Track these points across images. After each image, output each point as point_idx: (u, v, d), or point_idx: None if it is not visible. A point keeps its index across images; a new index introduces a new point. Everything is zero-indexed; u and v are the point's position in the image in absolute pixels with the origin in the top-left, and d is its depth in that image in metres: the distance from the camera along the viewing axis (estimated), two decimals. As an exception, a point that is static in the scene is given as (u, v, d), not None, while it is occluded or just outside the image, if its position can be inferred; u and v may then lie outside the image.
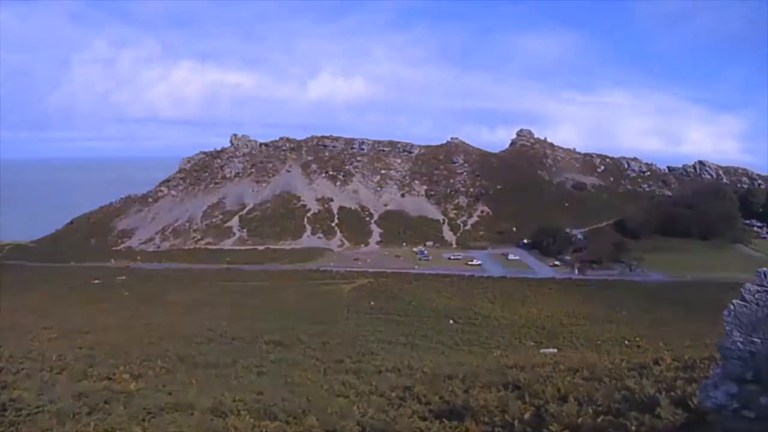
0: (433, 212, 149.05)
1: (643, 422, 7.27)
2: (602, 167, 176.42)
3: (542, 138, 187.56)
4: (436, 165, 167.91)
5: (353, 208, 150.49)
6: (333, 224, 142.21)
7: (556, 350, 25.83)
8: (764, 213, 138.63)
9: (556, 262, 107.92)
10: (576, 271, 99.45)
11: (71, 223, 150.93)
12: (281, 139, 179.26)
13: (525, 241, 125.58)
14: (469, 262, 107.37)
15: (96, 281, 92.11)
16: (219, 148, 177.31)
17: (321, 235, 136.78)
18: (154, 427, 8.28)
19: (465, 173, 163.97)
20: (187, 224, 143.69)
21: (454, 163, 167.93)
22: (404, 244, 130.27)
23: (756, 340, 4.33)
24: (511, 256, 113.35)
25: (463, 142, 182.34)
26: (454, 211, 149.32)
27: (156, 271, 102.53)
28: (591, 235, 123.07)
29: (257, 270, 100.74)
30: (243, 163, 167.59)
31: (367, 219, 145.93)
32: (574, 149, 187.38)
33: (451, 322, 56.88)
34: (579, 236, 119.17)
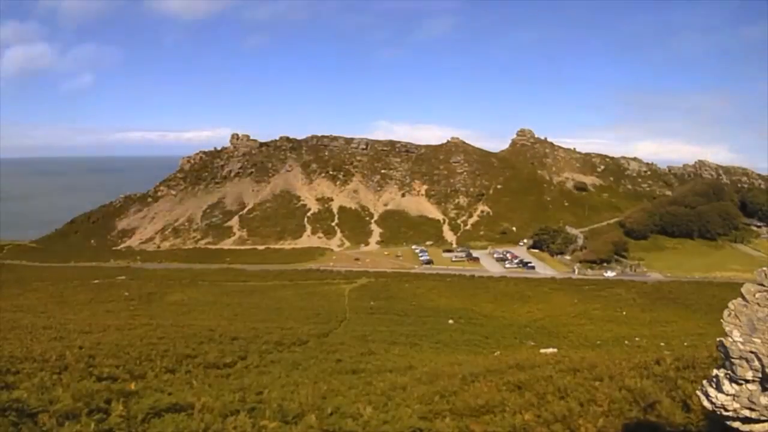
0: (433, 212, 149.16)
1: (643, 422, 7.27)
2: (602, 167, 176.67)
3: (542, 138, 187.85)
4: (436, 165, 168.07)
5: (353, 208, 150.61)
6: (333, 224, 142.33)
7: (556, 350, 25.84)
8: (764, 213, 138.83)
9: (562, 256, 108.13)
10: (576, 271, 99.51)
11: (71, 223, 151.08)
12: (281, 138, 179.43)
13: (525, 240, 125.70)
14: (470, 259, 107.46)
15: (96, 281, 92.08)
16: (219, 148, 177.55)
17: (321, 235, 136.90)
18: (154, 428, 8.27)
19: (465, 173, 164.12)
20: (187, 224, 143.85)
21: (455, 163, 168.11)
22: (404, 243, 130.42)
23: (756, 340, 4.33)
24: (509, 255, 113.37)
25: (463, 142, 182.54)
26: (454, 211, 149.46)
27: (156, 271, 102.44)
28: (591, 235, 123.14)
29: (257, 270, 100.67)
30: (243, 162, 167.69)
31: (367, 219, 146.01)
32: (574, 149, 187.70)
33: (451, 321, 56.80)
34: (579, 236, 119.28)
